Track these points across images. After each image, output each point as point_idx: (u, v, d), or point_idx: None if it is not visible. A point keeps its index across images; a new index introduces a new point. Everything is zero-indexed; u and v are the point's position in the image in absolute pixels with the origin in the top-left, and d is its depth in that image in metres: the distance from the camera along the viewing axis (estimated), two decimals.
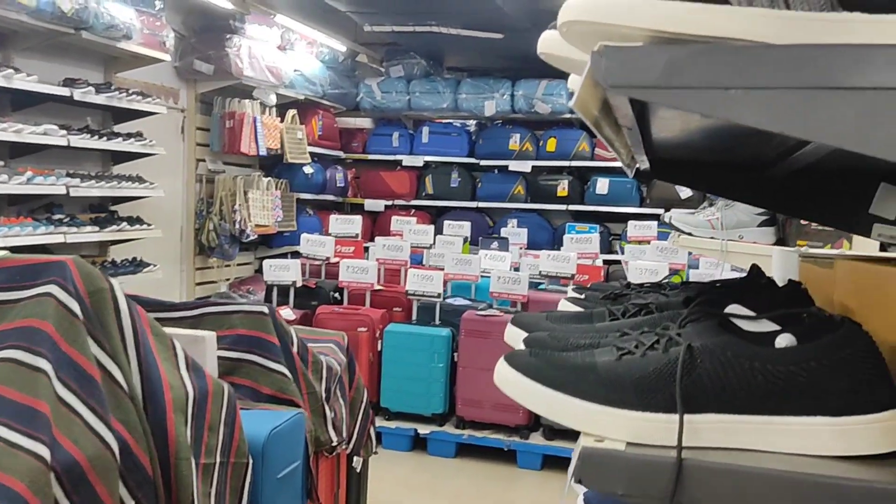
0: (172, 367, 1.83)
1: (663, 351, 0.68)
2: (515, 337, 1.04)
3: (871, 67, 0.55)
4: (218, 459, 1.86)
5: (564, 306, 1.26)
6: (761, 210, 2.16)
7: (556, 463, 4.40)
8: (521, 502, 4.09)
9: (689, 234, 2.18)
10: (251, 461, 2.02)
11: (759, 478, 0.60)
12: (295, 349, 2.58)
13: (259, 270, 6.74)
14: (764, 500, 0.59)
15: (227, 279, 6.35)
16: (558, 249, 5.52)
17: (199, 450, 1.81)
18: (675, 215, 2.28)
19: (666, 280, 1.33)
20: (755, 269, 1.12)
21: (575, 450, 0.68)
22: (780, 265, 1.39)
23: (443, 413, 4.54)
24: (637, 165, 1.31)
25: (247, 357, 2.48)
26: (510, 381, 0.75)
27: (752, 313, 0.68)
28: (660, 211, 6.97)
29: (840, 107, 0.54)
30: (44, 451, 1.41)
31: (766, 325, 0.66)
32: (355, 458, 3.01)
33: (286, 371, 2.47)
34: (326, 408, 2.68)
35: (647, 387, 0.67)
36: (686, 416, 0.64)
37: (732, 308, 0.69)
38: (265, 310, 2.52)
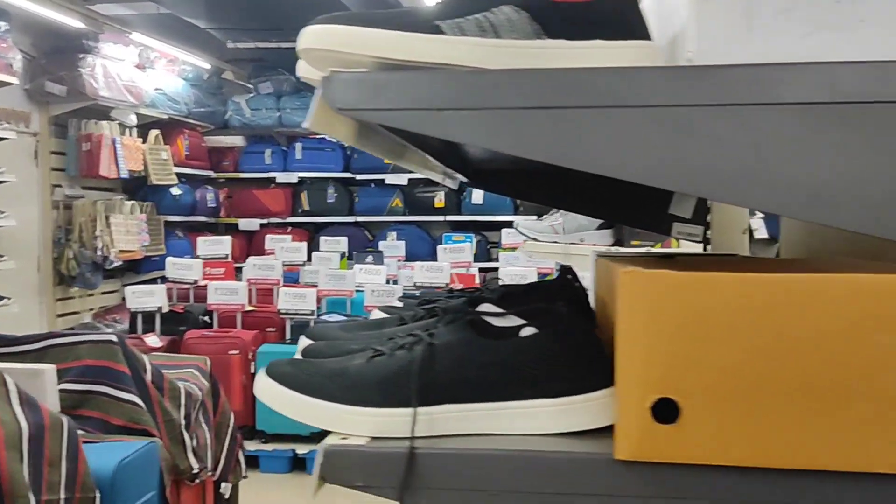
0: (3, 402, 1.74)
1: (409, 350, 0.73)
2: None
3: (573, 89, 0.61)
4: (63, 495, 1.78)
5: (376, 315, 1.30)
6: None
7: None
8: None
9: (535, 239, 2.28)
10: (98, 495, 1.95)
11: (481, 459, 0.65)
12: (149, 377, 2.51)
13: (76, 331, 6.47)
14: (486, 479, 0.65)
15: (91, 309, 6.06)
16: (434, 260, 5.59)
17: (40, 486, 1.73)
18: (522, 222, 2.38)
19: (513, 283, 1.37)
20: (566, 270, 1.19)
21: (318, 450, 0.72)
22: (591, 265, 1.48)
23: (321, 432, 4.49)
24: (455, 177, 1.37)
25: (95, 388, 2.39)
26: (265, 390, 0.77)
27: (500, 311, 0.73)
28: (533, 217, 7.20)
29: (546, 125, 0.60)
30: None
31: (513, 321, 0.72)
32: (223, 485, 2.95)
33: (138, 400, 2.40)
34: (186, 435, 2.61)
35: (388, 385, 0.71)
36: (424, 409, 0.68)
37: (483, 307, 0.74)
38: (114, 338, 2.44)
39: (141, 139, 6.22)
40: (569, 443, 0.66)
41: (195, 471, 2.60)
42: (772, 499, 0.59)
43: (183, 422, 2.63)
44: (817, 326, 0.59)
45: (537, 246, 2.24)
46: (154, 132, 6.37)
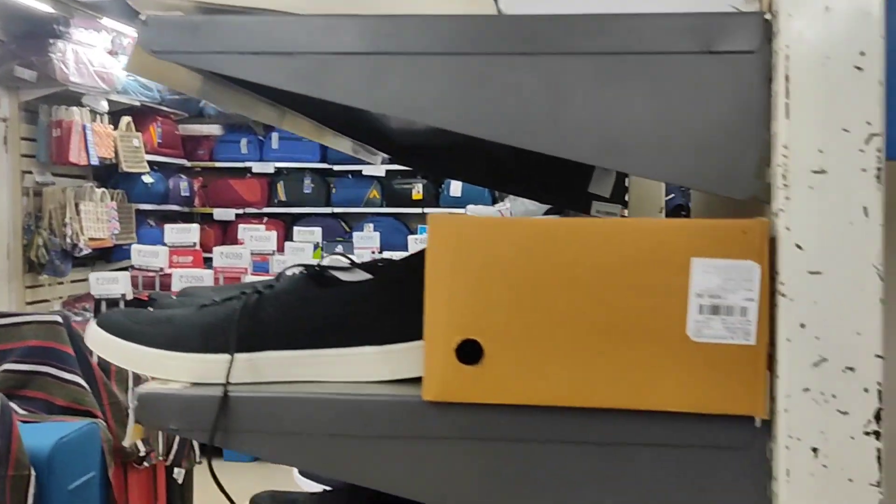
0: None
1: (238, 300, 0.72)
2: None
3: (374, 34, 0.61)
4: None
5: None
6: None
7: None
8: None
9: None
10: (33, 473, 1.93)
11: (294, 402, 0.65)
12: (94, 358, 2.49)
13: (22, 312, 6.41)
14: (299, 422, 0.65)
15: (61, 297, 6.01)
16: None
17: None
18: (471, 209, 2.37)
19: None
20: None
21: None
22: None
23: None
24: (372, 152, 1.36)
25: (40, 369, 2.37)
26: (94, 338, 0.76)
27: (346, 265, 0.72)
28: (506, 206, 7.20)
29: (356, 71, 0.60)
30: None
31: (359, 275, 0.71)
32: (176, 470, 2.93)
33: (82, 381, 2.38)
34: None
35: (211, 331, 0.71)
36: (246, 355, 0.68)
37: (330, 260, 0.74)
38: (58, 319, 2.42)
39: (112, 126, 6.16)
40: (384, 388, 0.67)
41: (142, 454, 2.58)
42: (567, 436, 0.59)
43: (129, 404, 2.62)
44: (595, 267, 0.61)
45: None
46: (126, 119, 6.32)
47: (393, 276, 0.70)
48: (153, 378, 0.73)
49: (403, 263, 0.73)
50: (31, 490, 1.94)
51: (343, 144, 1.34)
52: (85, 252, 5.73)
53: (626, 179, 1.38)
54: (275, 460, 0.67)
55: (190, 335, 0.71)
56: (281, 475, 4.88)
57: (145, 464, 2.66)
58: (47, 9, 5.27)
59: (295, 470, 1.15)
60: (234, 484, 3.12)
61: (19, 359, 2.40)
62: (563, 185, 1.39)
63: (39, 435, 2.04)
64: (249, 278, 4.57)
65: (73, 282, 6.13)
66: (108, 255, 6.37)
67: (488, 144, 1.37)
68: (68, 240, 5.64)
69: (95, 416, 2.36)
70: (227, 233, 7.40)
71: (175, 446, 2.93)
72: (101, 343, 0.75)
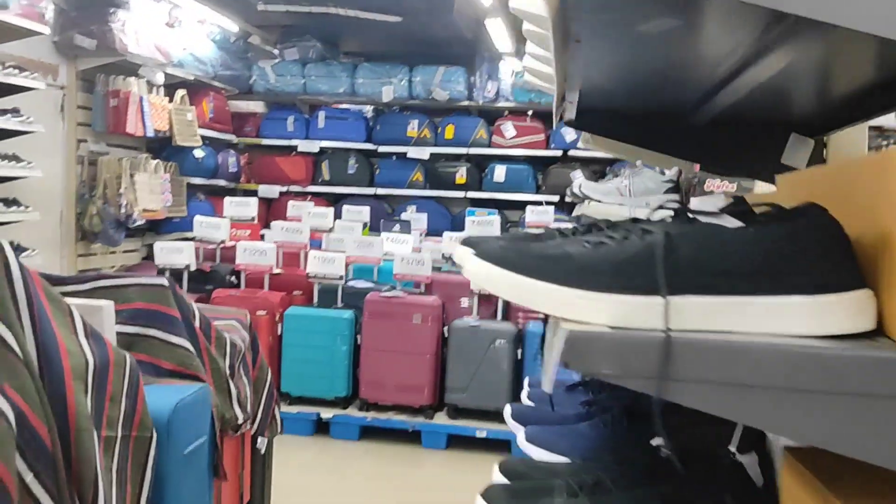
0: (70, 333, 1.71)
1: (640, 238, 0.68)
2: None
3: None
4: (119, 433, 1.75)
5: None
6: (668, 177, 2.24)
7: (461, 442, 4.44)
8: (427, 482, 4.10)
9: (599, 201, 2.24)
10: (155, 435, 1.93)
11: (746, 351, 0.60)
12: (197, 324, 2.48)
13: (147, 257, 6.44)
14: (747, 372, 0.60)
15: (112, 266, 6.03)
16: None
17: (101, 421, 1.70)
18: (584, 184, 2.33)
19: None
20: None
21: (554, 337, 0.67)
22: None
23: (346, 396, 4.49)
24: (564, 112, 1.32)
25: (146, 332, 2.36)
26: (481, 273, 0.72)
27: (714, 209, 0.69)
28: (555, 198, 7.16)
29: None
30: None
31: (728, 221, 0.68)
32: (259, 439, 2.93)
33: (188, 345, 2.37)
34: (231, 384, 2.59)
35: (626, 270, 0.67)
36: (667, 299, 0.64)
37: (695, 204, 0.70)
38: (164, 282, 2.40)
39: (167, 98, 6.15)
40: (833, 344, 0.61)
41: (239, 421, 2.58)
42: None
43: (228, 371, 2.61)
44: None
45: (601, 208, 2.19)
46: (180, 92, 6.31)
47: (804, 221, 0.65)
48: (563, 318, 0.68)
49: (794, 212, 0.68)
50: (152, 452, 1.93)
51: None
52: (139, 223, 5.74)
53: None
54: (720, 413, 0.61)
55: (602, 274, 0.67)
56: (341, 450, 4.87)
57: (239, 432, 2.66)
58: None
59: (522, 435, 1.12)
60: (294, 456, 3.08)
61: (125, 321, 2.38)
62: (750, 156, 1.35)
63: (158, 396, 2.03)
64: (311, 253, 4.56)
65: (124, 252, 6.14)
66: (158, 227, 6.39)
67: (682, 114, 1.34)
68: (123, 210, 5.65)
69: (202, 381, 2.35)
70: (270, 209, 7.40)
71: (259, 416, 2.93)
72: (487, 276, 0.72)
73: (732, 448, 0.85)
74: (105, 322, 2.03)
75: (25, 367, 1.57)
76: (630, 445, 0.96)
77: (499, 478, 0.97)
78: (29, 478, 1.54)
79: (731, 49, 0.94)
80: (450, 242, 4.88)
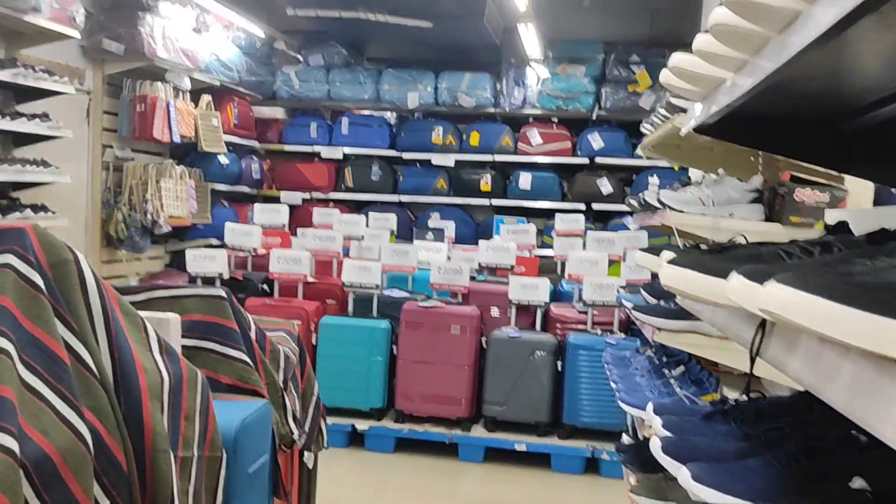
0: (145, 349, 1.63)
1: None
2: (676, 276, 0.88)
3: None
4: (195, 453, 1.67)
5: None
6: (751, 187, 2.16)
7: (498, 455, 4.35)
8: (465, 496, 4.01)
9: (680, 210, 2.15)
10: (224, 455, 1.84)
11: None
12: (253, 336, 2.40)
13: (170, 265, 6.37)
14: None
15: (137, 273, 5.97)
16: (478, 243, 5.42)
17: (177, 441, 1.62)
18: (664, 193, 2.24)
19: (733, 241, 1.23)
20: None
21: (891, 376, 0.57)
22: None
23: (381, 407, 4.40)
24: (695, 117, 1.24)
25: (204, 344, 2.28)
26: (801, 306, 0.59)
27: None
28: (581, 206, 7.07)
29: None
30: (12, 444, 1.21)
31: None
32: (306, 454, 2.84)
33: (247, 359, 2.29)
34: (287, 399, 2.51)
35: None
36: None
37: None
38: (223, 293, 2.32)
39: (193, 104, 6.09)
40: None
41: (295, 437, 2.50)
42: None
43: (282, 386, 2.53)
44: None
45: (682, 218, 2.11)
46: (206, 98, 6.25)
47: None
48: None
49: None
50: (223, 473, 1.85)
51: None
52: (165, 229, 5.67)
53: None
54: None
55: None
56: (376, 462, 4.79)
57: (290, 448, 2.57)
58: None
59: (685, 473, 1.02)
60: (327, 468, 2.98)
61: (183, 333, 2.30)
62: None
63: (222, 414, 1.95)
64: (347, 261, 4.48)
65: (149, 258, 6.07)
66: (182, 234, 6.32)
67: (832, 122, 1.26)
68: (149, 216, 5.58)
69: (261, 395, 2.27)
70: (293, 217, 7.32)
71: (306, 430, 2.84)
72: (806, 309, 0.59)
73: None
74: (172, 335, 1.95)
75: (101, 386, 1.49)
76: (821, 487, 0.88)
77: None
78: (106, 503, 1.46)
79: None
80: (486, 251, 4.79)
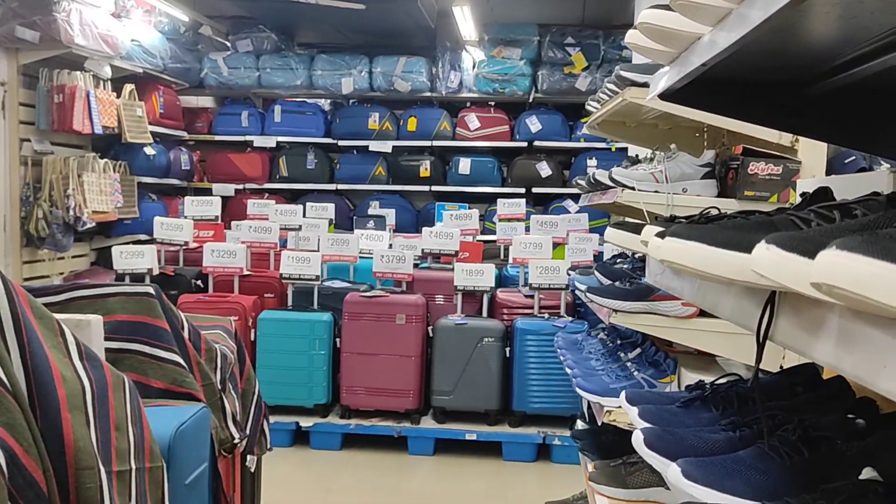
0: (63, 355, 1.46)
1: None
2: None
3: None
4: (133, 465, 1.52)
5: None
6: (704, 161, 2.10)
7: (448, 446, 4.25)
8: (416, 490, 3.90)
9: (632, 188, 2.08)
10: (164, 465, 1.69)
11: None
12: (186, 335, 2.24)
13: (96, 263, 6.07)
14: None
15: (61, 273, 5.65)
16: (419, 231, 5.33)
17: (109, 455, 1.46)
18: (616, 171, 2.16)
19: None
20: None
21: None
22: None
23: (326, 403, 4.26)
24: (664, 80, 1.15)
25: (131, 346, 2.12)
26: (872, 276, 0.49)
27: None
28: (521, 190, 7.01)
29: None
30: None
31: None
32: (248, 457, 2.69)
33: (180, 360, 2.13)
34: (226, 401, 2.36)
35: None
36: None
37: None
38: (151, 290, 2.15)
39: (115, 94, 5.79)
40: None
41: (235, 441, 2.35)
42: None
43: (220, 387, 2.37)
44: None
45: (635, 196, 2.03)
46: (129, 87, 5.95)
47: None
48: None
49: None
50: (166, 485, 1.70)
51: None
52: (88, 226, 5.38)
53: None
54: None
55: None
56: (322, 460, 4.65)
57: (231, 453, 2.43)
58: None
59: (675, 471, 0.92)
60: (272, 469, 2.84)
61: (107, 335, 2.12)
62: (873, 129, 1.20)
63: (154, 421, 1.79)
64: (285, 253, 4.31)
65: (73, 257, 5.76)
66: (108, 230, 6.02)
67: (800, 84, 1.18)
68: (71, 212, 5.28)
69: (197, 399, 2.12)
70: (225, 209, 7.07)
71: (247, 432, 2.70)
72: (870, 277, 0.49)
73: None
74: (94, 339, 1.79)
75: (14, 398, 1.33)
76: (828, 480, 0.80)
77: None
78: None
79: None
80: (429, 238, 4.68)
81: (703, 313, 2.27)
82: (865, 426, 0.93)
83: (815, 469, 0.86)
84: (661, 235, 0.85)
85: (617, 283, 2.25)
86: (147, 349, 2.12)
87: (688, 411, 1.15)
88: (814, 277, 0.52)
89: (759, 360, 0.84)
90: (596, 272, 2.43)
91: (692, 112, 1.80)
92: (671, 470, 0.93)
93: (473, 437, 4.20)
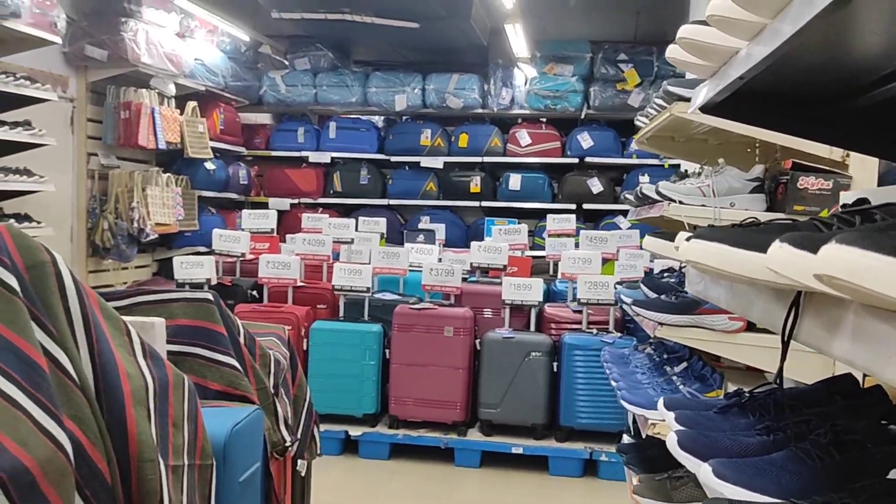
0: (128, 353, 1.55)
1: None
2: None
3: None
4: (186, 461, 1.60)
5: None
6: (752, 176, 2.11)
7: (494, 459, 4.27)
8: (463, 501, 3.93)
9: (680, 202, 2.10)
10: (214, 463, 1.77)
11: None
12: (242, 340, 2.33)
13: (157, 273, 6.29)
14: None
15: (125, 282, 5.87)
16: (469, 246, 5.36)
17: (167, 450, 1.55)
18: (663, 185, 2.19)
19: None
20: None
21: None
22: None
23: (375, 413, 4.33)
24: (703, 93, 1.18)
25: (191, 350, 2.21)
26: (865, 266, 0.54)
27: None
28: (572, 206, 7.01)
29: None
30: None
31: None
32: (299, 462, 2.77)
33: (236, 364, 2.22)
34: (278, 405, 2.44)
35: None
36: None
37: None
38: (210, 297, 2.25)
39: (178, 110, 6.01)
40: None
41: (287, 444, 2.42)
42: None
43: (273, 391, 2.46)
44: None
45: (682, 210, 2.05)
46: (191, 104, 6.17)
47: None
48: None
49: None
50: (213, 483, 1.78)
51: None
52: (151, 237, 5.59)
53: None
54: None
55: None
56: (371, 469, 4.71)
57: (282, 456, 2.50)
58: None
59: (707, 471, 0.95)
60: (321, 476, 2.88)
61: (168, 339, 2.23)
62: None
63: (211, 421, 1.87)
64: (337, 265, 4.41)
65: (136, 267, 5.98)
66: (170, 242, 6.23)
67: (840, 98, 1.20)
68: (135, 224, 5.50)
69: (251, 402, 2.20)
70: (281, 223, 7.24)
71: (298, 437, 2.77)
72: (870, 269, 0.53)
73: None
74: (157, 339, 1.88)
75: (82, 393, 1.41)
76: (857, 480, 0.82)
77: None
78: None
79: None
80: (478, 252, 4.73)
81: (750, 327, 2.27)
82: None
83: (845, 471, 0.87)
84: (688, 239, 0.89)
85: (663, 297, 2.26)
86: (206, 353, 2.21)
87: (724, 417, 1.17)
88: (815, 270, 0.56)
89: (783, 358, 0.86)
90: (642, 285, 2.44)
91: (740, 126, 1.82)
92: (703, 469, 0.96)
93: (520, 450, 4.21)
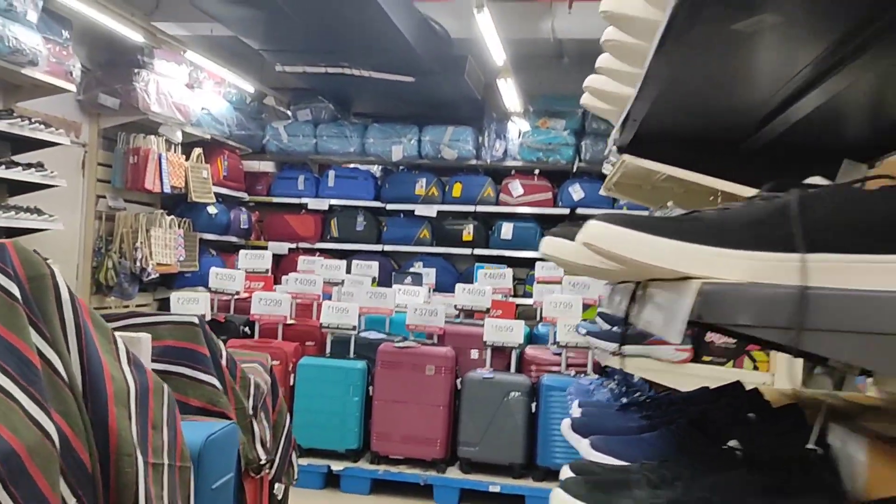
0: (114, 359, 1.75)
1: (770, 202, 0.71)
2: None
3: None
4: (166, 461, 1.78)
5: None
6: None
7: (473, 497, 4.39)
8: None
9: None
10: (192, 466, 1.95)
11: (886, 301, 0.57)
12: (224, 362, 2.52)
13: (159, 312, 6.48)
14: (883, 321, 0.57)
15: None
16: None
17: (146, 448, 1.73)
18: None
19: None
20: None
21: (679, 295, 0.70)
22: None
23: (357, 448, 4.47)
24: (616, 137, 1.39)
25: (175, 369, 2.40)
26: (610, 236, 0.75)
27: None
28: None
29: None
30: None
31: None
32: (276, 485, 2.93)
33: (216, 382, 2.40)
34: (255, 424, 2.61)
35: (760, 228, 0.68)
36: (799, 255, 0.64)
37: (814, 180, 0.75)
38: (195, 320, 2.46)
39: (184, 157, 6.29)
40: None
41: (262, 461, 2.59)
42: None
43: (251, 412, 2.63)
44: None
45: None
46: (197, 150, 6.46)
47: None
48: (694, 276, 0.68)
49: None
50: (192, 485, 1.95)
51: None
52: (152, 276, 5.80)
53: None
54: (858, 363, 0.62)
55: (736, 231, 0.68)
56: None
57: (260, 473, 2.66)
58: (136, 38, 5.43)
59: (586, 445, 1.13)
60: None
61: (155, 358, 2.43)
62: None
63: (188, 431, 2.06)
64: (325, 304, 4.60)
65: (137, 305, 6.18)
66: (171, 282, 6.44)
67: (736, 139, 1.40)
68: (138, 264, 5.72)
69: (228, 418, 2.38)
70: (280, 266, 7.47)
71: (277, 460, 2.93)
72: (621, 239, 0.73)
73: (811, 446, 0.87)
74: (143, 353, 2.07)
75: (70, 391, 1.61)
76: (702, 448, 0.99)
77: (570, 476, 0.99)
78: (72, 503, 1.56)
79: (799, 67, 0.99)
80: (462, 294, 4.92)
81: (696, 358, 2.44)
82: (757, 419, 1.12)
83: (695, 443, 1.05)
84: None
85: (615, 328, 2.44)
86: (189, 371, 2.40)
87: (623, 413, 1.34)
88: (581, 239, 0.77)
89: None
90: (598, 318, 2.62)
91: (672, 170, 2.00)
92: (582, 444, 1.13)
93: (497, 489, 4.33)
